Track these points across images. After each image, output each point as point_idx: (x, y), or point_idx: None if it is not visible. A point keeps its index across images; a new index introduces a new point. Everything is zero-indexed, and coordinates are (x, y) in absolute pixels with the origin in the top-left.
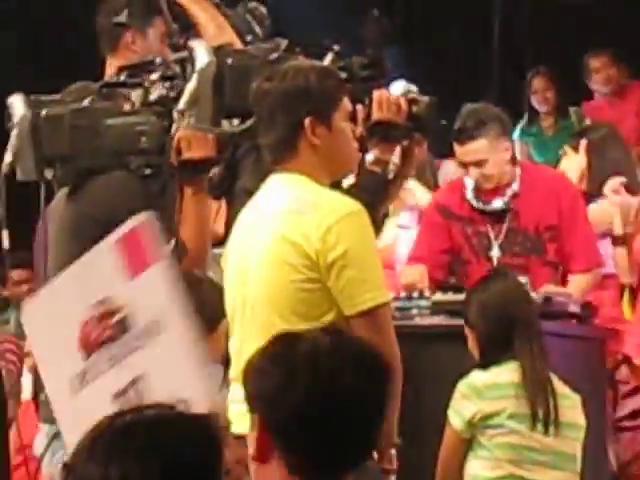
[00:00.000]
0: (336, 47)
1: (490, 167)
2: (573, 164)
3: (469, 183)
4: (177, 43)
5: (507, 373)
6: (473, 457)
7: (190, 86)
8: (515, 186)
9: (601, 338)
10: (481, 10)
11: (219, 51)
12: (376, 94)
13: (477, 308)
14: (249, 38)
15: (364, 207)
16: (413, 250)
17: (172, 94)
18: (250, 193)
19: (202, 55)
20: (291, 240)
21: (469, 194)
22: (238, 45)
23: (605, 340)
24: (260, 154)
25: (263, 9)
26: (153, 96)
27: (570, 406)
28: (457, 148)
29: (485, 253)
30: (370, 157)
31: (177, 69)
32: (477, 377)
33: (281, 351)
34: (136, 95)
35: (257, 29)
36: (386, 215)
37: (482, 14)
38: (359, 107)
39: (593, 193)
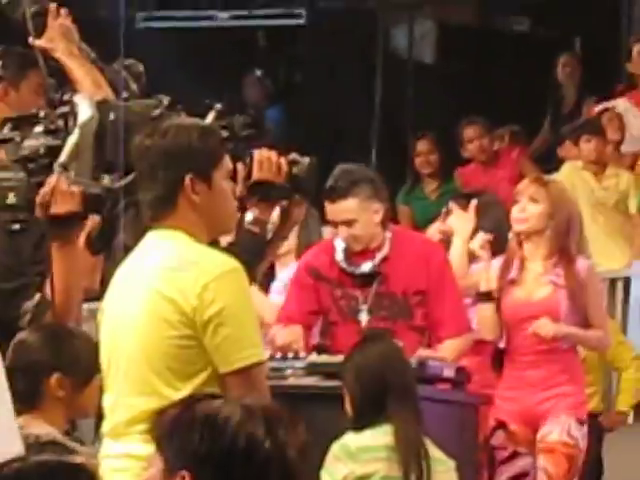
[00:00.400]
0: (218, 106)
1: (359, 228)
2: (462, 223)
3: (339, 245)
4: (54, 97)
5: (381, 436)
6: None
7: (72, 140)
8: (385, 250)
9: (475, 404)
10: (363, 73)
11: (101, 106)
12: (257, 154)
13: (354, 371)
14: (125, 94)
15: (242, 266)
16: (283, 310)
17: (42, 150)
18: (129, 249)
19: (84, 109)
20: (168, 296)
21: (339, 256)
22: (114, 101)
23: (479, 406)
24: (140, 210)
25: (140, 66)
26: (24, 151)
27: (444, 470)
28: (328, 206)
29: (353, 316)
30: (249, 216)
31: (60, 123)
32: (350, 439)
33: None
34: (7, 150)
35: (133, 86)
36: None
37: (364, 76)
38: (239, 166)
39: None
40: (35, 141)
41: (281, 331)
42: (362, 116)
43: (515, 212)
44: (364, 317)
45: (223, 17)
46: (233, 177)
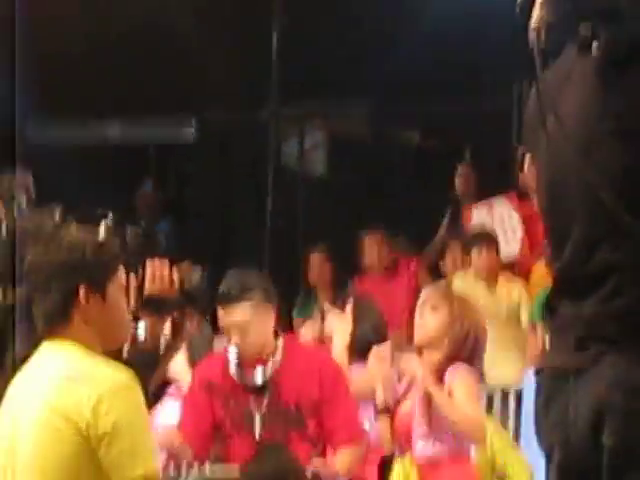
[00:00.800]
0: (110, 216)
1: (252, 334)
2: (340, 325)
3: (232, 355)
4: None
5: None
6: None
7: None
8: (277, 359)
9: None
10: (254, 185)
11: None
12: (149, 266)
13: None
14: (15, 207)
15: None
16: (179, 428)
17: None
18: (23, 362)
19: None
20: (61, 411)
21: (232, 368)
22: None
23: None
24: (33, 323)
25: (29, 178)
26: None
27: None
28: (220, 312)
29: (247, 427)
30: (141, 329)
31: None
32: None
33: None
34: None
35: (23, 199)
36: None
37: (255, 189)
38: (132, 278)
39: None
40: None
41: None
42: (253, 229)
43: (415, 321)
44: (257, 428)
45: (114, 130)
46: (125, 289)
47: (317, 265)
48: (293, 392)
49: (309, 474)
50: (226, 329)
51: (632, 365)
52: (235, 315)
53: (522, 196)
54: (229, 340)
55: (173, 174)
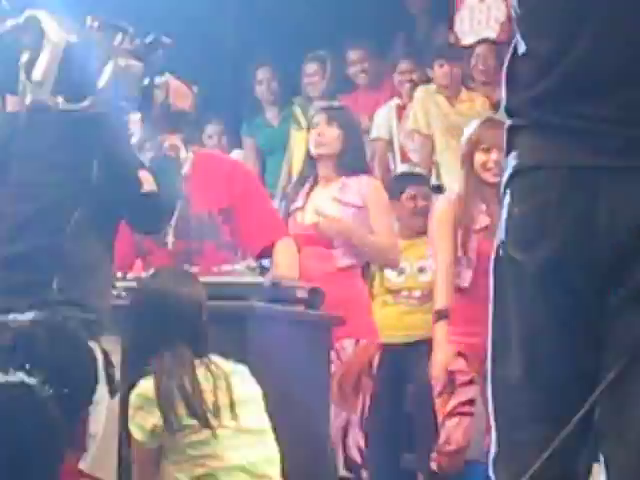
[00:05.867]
0: (129, 30)
1: None
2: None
3: None
4: None
5: None
6: (168, 463)
7: (45, 57)
8: (184, 171)
9: (328, 324)
10: None
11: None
12: (172, 83)
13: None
14: None
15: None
16: None
17: None
18: None
19: (54, 28)
20: None
21: None
22: None
23: (331, 326)
24: None
25: None
26: None
27: (240, 382)
28: None
29: (163, 241)
30: (166, 144)
31: None
32: (145, 386)
33: None
34: None
35: None
36: None
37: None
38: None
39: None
40: None
41: None
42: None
43: (491, 163)
44: (170, 239)
45: None
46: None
47: (265, 79)
48: (204, 201)
49: (269, 283)
50: None
51: None
52: None
53: None
54: None
55: None
